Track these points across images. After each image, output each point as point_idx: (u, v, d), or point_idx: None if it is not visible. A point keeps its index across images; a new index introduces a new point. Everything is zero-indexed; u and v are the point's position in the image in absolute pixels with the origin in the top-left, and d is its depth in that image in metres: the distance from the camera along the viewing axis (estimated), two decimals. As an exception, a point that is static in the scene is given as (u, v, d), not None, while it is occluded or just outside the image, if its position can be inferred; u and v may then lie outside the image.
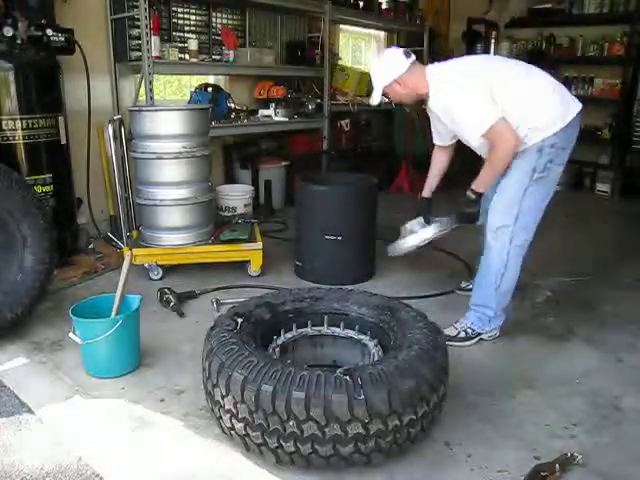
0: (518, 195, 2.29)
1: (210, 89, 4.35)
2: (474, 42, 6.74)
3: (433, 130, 2.68)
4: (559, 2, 6.12)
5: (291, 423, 1.52)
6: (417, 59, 2.42)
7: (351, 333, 2.09)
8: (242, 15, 4.81)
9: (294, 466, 1.62)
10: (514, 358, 2.42)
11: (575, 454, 1.72)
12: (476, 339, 2.52)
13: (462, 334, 2.51)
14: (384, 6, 6.11)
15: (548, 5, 6.18)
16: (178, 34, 4.35)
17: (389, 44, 6.79)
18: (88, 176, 3.68)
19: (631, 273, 3.48)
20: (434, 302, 2.96)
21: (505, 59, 2.47)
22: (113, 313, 2.21)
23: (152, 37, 3.67)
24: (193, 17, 4.46)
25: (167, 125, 3.05)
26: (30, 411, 1.97)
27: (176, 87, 5.00)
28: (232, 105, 4.45)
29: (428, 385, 1.63)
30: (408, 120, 5.56)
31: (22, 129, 3.04)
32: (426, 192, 2.85)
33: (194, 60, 4.19)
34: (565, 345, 2.55)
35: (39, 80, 3.07)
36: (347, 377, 1.54)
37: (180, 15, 4.36)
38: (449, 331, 2.50)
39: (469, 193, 2.36)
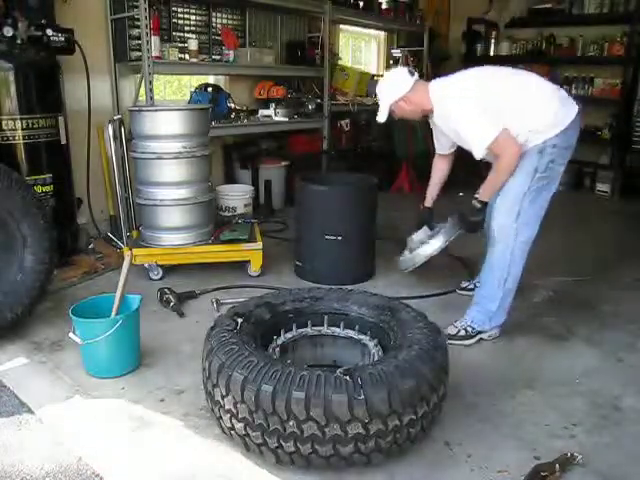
0: (520, 194, 2.33)
1: (210, 89, 4.35)
2: (474, 42, 6.74)
3: (435, 140, 2.77)
4: (559, 2, 6.12)
5: (291, 423, 1.52)
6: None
7: (351, 333, 2.09)
8: (242, 15, 4.81)
9: (294, 466, 1.62)
10: (514, 358, 2.42)
11: (575, 454, 1.72)
12: (476, 338, 2.53)
13: (462, 332, 2.52)
14: (384, 6, 6.11)
15: (548, 5, 6.17)
16: (178, 34, 4.35)
17: (389, 44, 6.80)
18: (88, 176, 3.68)
19: (631, 273, 3.48)
20: (434, 302, 2.96)
21: (503, 69, 2.53)
22: (113, 313, 2.21)
23: (152, 37, 3.67)
24: (193, 17, 4.46)
25: (167, 125, 3.05)
26: (30, 411, 1.98)
27: (176, 87, 5.00)
28: (232, 105, 4.45)
29: (428, 385, 1.63)
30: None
31: (22, 129, 3.04)
32: (428, 201, 2.94)
33: (194, 60, 4.19)
34: (565, 345, 2.56)
35: (39, 80, 3.07)
36: (347, 377, 1.54)
37: (180, 15, 4.36)
38: (449, 330, 2.52)
39: (475, 202, 2.43)
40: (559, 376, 2.26)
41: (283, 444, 1.55)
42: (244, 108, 4.62)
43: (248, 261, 3.26)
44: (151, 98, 3.71)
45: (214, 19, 4.60)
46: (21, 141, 3.06)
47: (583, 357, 2.45)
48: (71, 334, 2.14)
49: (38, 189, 3.10)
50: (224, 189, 4.18)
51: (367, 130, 6.00)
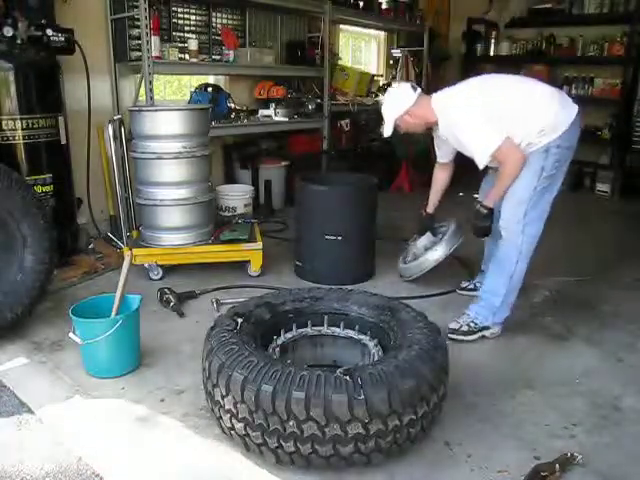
0: (527, 193, 2.38)
1: (210, 89, 4.35)
2: (474, 42, 6.75)
3: (436, 149, 2.82)
4: (559, 2, 6.12)
5: (291, 423, 1.52)
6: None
7: (351, 333, 2.09)
8: (242, 15, 4.80)
9: (294, 466, 1.62)
10: (514, 358, 2.42)
11: (575, 454, 1.72)
12: (479, 334, 2.54)
13: (465, 327, 2.54)
14: (384, 6, 6.11)
15: (548, 5, 6.17)
16: (178, 34, 4.35)
17: (389, 44, 6.80)
18: (88, 176, 3.68)
19: (631, 273, 3.48)
20: (434, 302, 2.96)
21: (503, 77, 2.58)
22: (113, 313, 2.21)
23: (152, 37, 3.67)
24: (193, 17, 4.45)
25: (167, 125, 3.05)
26: (30, 411, 1.97)
27: (176, 87, 5.00)
28: (232, 105, 4.45)
29: (428, 385, 1.63)
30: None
31: (22, 129, 3.04)
32: (430, 208, 3.02)
33: (194, 60, 4.19)
34: (565, 345, 2.56)
35: (39, 80, 3.07)
36: (347, 377, 1.54)
37: (180, 15, 4.36)
38: (452, 324, 2.55)
39: (481, 208, 2.48)
40: (559, 376, 2.26)
41: (283, 444, 1.55)
42: (244, 108, 4.62)
43: (248, 261, 3.26)
44: (151, 98, 3.71)
45: (214, 19, 4.60)
46: (21, 141, 3.06)
47: (583, 357, 2.45)
48: (71, 334, 2.14)
49: (38, 189, 3.10)
50: (224, 189, 4.18)
51: (367, 130, 6.00)
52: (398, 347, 1.78)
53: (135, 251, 3.10)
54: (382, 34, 6.80)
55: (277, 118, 4.72)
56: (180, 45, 4.23)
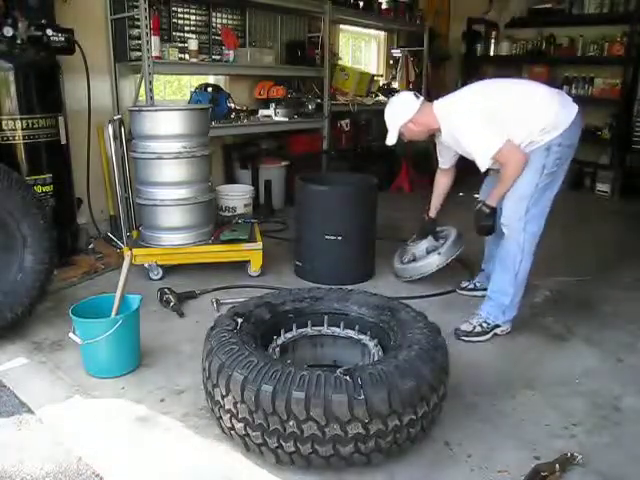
0: (529, 191, 2.40)
1: (210, 89, 4.35)
2: (474, 42, 6.74)
3: (438, 155, 2.86)
4: (559, 2, 6.12)
5: (291, 423, 1.52)
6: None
7: (351, 333, 2.09)
8: (242, 15, 4.80)
9: (294, 466, 1.62)
10: (514, 358, 2.42)
11: (575, 454, 1.72)
12: (492, 333, 2.55)
13: (478, 328, 2.55)
14: (384, 6, 6.11)
15: (548, 5, 6.17)
16: (178, 34, 4.35)
17: (389, 44, 6.80)
18: (88, 176, 3.68)
19: (631, 273, 3.48)
20: (434, 302, 2.96)
21: (504, 81, 2.63)
22: (113, 313, 2.21)
23: (152, 37, 3.67)
24: (193, 17, 4.46)
25: (167, 125, 3.05)
26: (30, 411, 1.97)
27: (176, 87, 5.00)
28: (232, 105, 4.45)
29: (428, 385, 1.63)
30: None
31: (22, 129, 3.04)
32: (432, 212, 3.06)
33: (194, 60, 4.19)
34: (565, 345, 2.56)
35: (39, 80, 3.07)
36: (347, 377, 1.54)
37: (180, 15, 4.36)
38: (465, 327, 2.56)
39: (483, 208, 2.50)
40: (559, 376, 2.26)
41: (283, 444, 1.55)
42: (244, 108, 4.62)
43: (248, 261, 3.25)
44: (151, 98, 3.71)
45: (214, 19, 4.60)
46: (21, 141, 3.06)
47: (583, 357, 2.45)
48: (71, 334, 2.14)
49: (38, 189, 3.10)
50: (224, 189, 4.18)
51: (367, 130, 6.01)
52: (398, 347, 1.78)
53: (135, 251, 3.10)
54: (382, 34, 6.79)
55: (277, 118, 4.72)
56: (180, 45, 4.23)
